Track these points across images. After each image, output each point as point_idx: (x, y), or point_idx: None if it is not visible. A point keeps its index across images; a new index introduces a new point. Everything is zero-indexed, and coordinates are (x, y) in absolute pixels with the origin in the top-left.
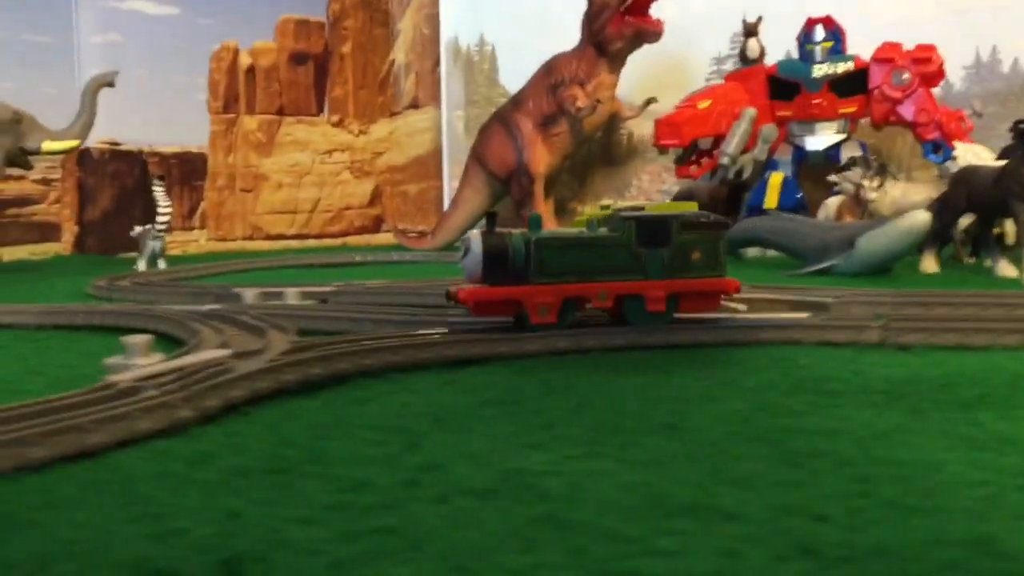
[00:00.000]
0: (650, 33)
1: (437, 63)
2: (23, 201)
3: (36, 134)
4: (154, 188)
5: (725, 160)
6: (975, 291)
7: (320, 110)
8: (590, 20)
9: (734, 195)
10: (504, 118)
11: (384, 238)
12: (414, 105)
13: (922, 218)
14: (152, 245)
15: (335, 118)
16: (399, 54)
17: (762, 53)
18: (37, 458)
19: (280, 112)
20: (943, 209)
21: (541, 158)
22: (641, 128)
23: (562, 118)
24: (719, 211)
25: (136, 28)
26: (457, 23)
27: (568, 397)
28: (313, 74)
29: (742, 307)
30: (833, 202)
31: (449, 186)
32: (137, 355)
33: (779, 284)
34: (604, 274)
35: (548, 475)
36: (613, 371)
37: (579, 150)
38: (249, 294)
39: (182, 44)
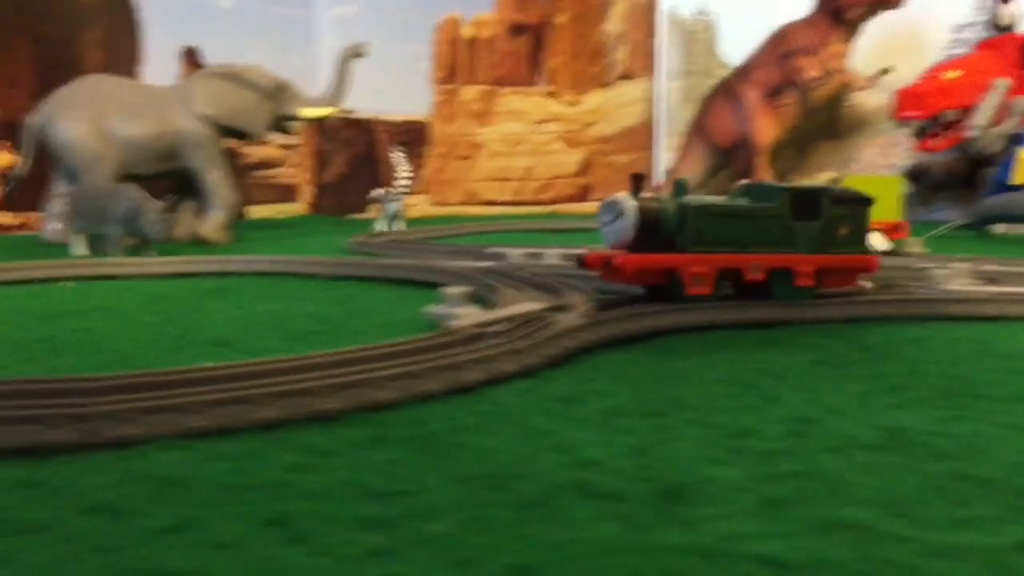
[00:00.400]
0: (892, 0)
1: (651, 34)
2: (266, 164)
3: (296, 101)
4: (395, 154)
5: (974, 133)
6: None
7: (535, 80)
8: None
9: (972, 170)
10: (729, 88)
11: (592, 207)
12: (626, 76)
13: None
14: (391, 207)
15: (549, 88)
16: (613, 24)
17: (1014, 20)
18: (424, 390)
19: (498, 82)
20: None
21: (767, 129)
22: (870, 99)
23: (790, 88)
24: (955, 187)
25: (369, 0)
26: None
27: (898, 361)
28: (530, 45)
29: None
30: None
31: (662, 156)
32: (456, 305)
33: None
34: (758, 246)
35: (933, 435)
36: (918, 339)
37: (805, 122)
38: (514, 253)
39: (410, 15)
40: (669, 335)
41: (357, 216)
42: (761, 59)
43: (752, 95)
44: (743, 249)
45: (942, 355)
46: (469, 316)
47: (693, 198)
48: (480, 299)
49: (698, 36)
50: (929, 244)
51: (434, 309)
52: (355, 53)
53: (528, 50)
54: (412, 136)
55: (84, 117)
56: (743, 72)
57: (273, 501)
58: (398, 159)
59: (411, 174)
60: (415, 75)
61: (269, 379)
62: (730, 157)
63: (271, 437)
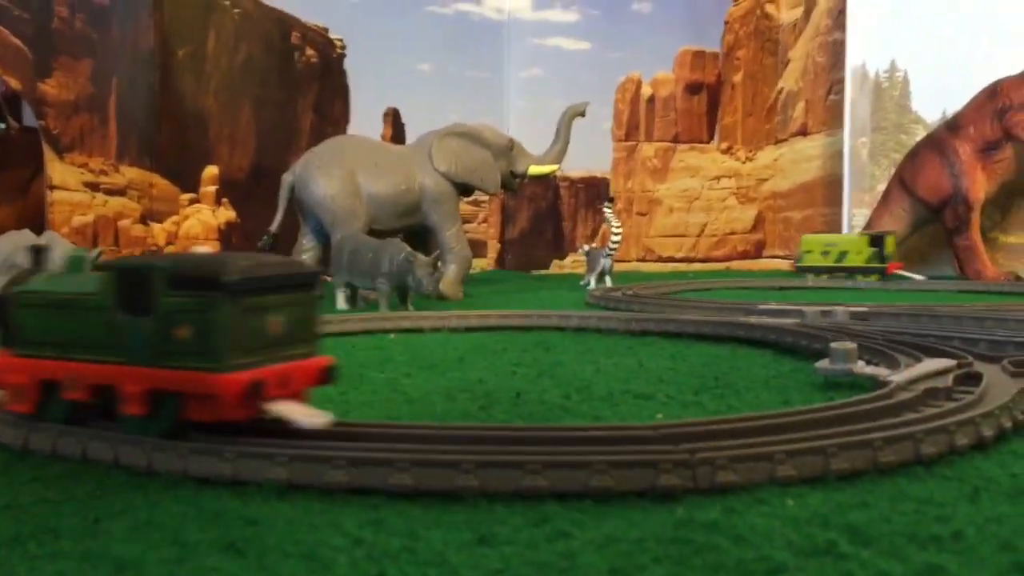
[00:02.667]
0: None
1: (830, 90)
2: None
3: (524, 159)
4: (605, 210)
5: None
6: None
7: (710, 137)
8: None
9: None
10: (938, 143)
11: (766, 263)
12: (802, 132)
13: None
14: (604, 263)
15: (724, 145)
16: (789, 82)
17: None
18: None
19: (675, 139)
20: None
21: (979, 185)
22: None
23: (1007, 144)
24: None
25: (555, 63)
26: (864, 49)
27: None
28: (706, 102)
29: None
30: None
31: (848, 212)
32: (847, 361)
33: None
34: (82, 350)
35: None
36: None
37: (1016, 177)
38: (810, 312)
39: (592, 76)
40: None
41: (542, 272)
42: (974, 113)
43: (965, 150)
44: (65, 354)
45: None
46: (899, 373)
47: (30, 282)
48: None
49: (888, 92)
50: None
51: (826, 364)
52: (577, 112)
53: (704, 108)
54: (592, 192)
55: (337, 175)
56: (953, 127)
57: None
58: (610, 215)
59: (621, 230)
60: (596, 133)
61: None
62: (938, 213)
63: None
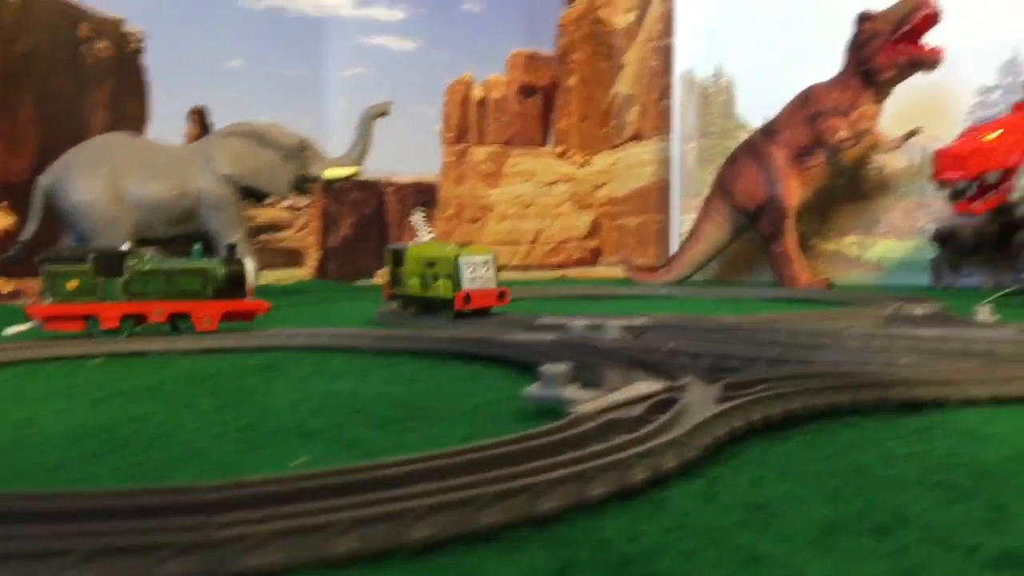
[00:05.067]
0: (928, 61)
1: (663, 95)
2: (274, 227)
3: (318, 161)
4: (415, 216)
5: (1019, 195)
6: None
7: (545, 141)
8: (857, 48)
9: (1006, 234)
10: (755, 149)
11: (602, 271)
12: (636, 137)
13: None
14: None
15: (559, 149)
16: (623, 86)
17: None
18: (590, 496)
19: (508, 143)
20: None
21: (794, 191)
22: (895, 161)
23: (819, 150)
24: (986, 250)
25: (380, 62)
26: (692, 55)
27: None
28: (540, 106)
29: None
30: None
31: (677, 219)
32: (557, 386)
33: None
34: None
35: None
36: None
37: (830, 183)
38: (576, 325)
39: (420, 77)
40: (816, 419)
41: (366, 282)
42: (788, 119)
43: (780, 156)
44: None
45: None
46: (591, 400)
47: None
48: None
49: (714, 97)
50: (996, 312)
51: (534, 390)
52: (379, 112)
53: (538, 111)
54: (420, 197)
55: (99, 178)
56: (769, 132)
57: None
58: (418, 221)
59: (432, 237)
60: (425, 136)
61: (414, 485)
62: (755, 220)
63: (428, 564)
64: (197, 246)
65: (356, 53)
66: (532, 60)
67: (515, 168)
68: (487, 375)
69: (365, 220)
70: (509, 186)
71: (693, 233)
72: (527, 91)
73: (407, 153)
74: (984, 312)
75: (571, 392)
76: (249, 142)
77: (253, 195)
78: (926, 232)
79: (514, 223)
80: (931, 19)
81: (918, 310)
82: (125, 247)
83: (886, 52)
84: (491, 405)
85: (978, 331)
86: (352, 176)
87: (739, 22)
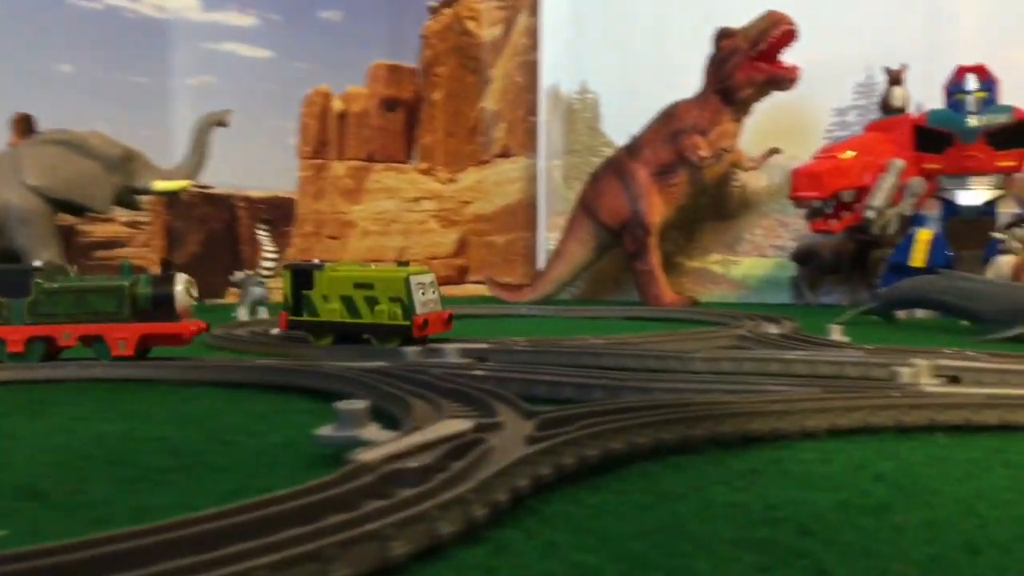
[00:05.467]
0: (785, 79)
1: (530, 112)
2: (110, 244)
3: (147, 173)
4: (258, 233)
5: (871, 214)
6: None
7: (409, 157)
8: (716, 66)
9: (862, 252)
10: (618, 166)
11: (470, 289)
12: (504, 154)
13: None
14: (254, 292)
15: (424, 166)
16: (490, 102)
17: (907, 102)
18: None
19: (370, 158)
20: None
21: (656, 209)
22: (756, 180)
23: (681, 167)
24: (844, 268)
25: (230, 70)
26: (557, 71)
27: (940, 502)
28: (403, 120)
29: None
30: (1005, 261)
31: (544, 236)
32: (355, 426)
33: (987, 350)
34: None
35: None
36: (938, 460)
37: (690, 202)
38: (411, 351)
39: (274, 87)
40: (646, 459)
41: (215, 301)
42: (650, 137)
43: (642, 174)
44: None
45: (989, 489)
46: (379, 445)
47: None
48: (385, 415)
49: (582, 114)
50: (846, 332)
51: (328, 432)
52: (216, 121)
53: (401, 126)
54: (277, 213)
55: None
56: (632, 150)
57: None
58: (262, 238)
59: (276, 254)
60: (280, 149)
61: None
62: (619, 237)
63: None
64: (125, 261)
65: (204, 60)
66: (394, 72)
67: (377, 184)
68: (293, 410)
69: (214, 237)
70: (371, 202)
71: (557, 251)
72: (389, 104)
73: (261, 167)
74: (836, 332)
75: (370, 432)
76: (65, 151)
77: (69, 209)
78: (788, 250)
79: (377, 240)
80: (788, 36)
81: (772, 329)
82: (36, 264)
83: (744, 70)
84: (280, 449)
85: (826, 353)
86: (185, 189)
87: (604, 38)
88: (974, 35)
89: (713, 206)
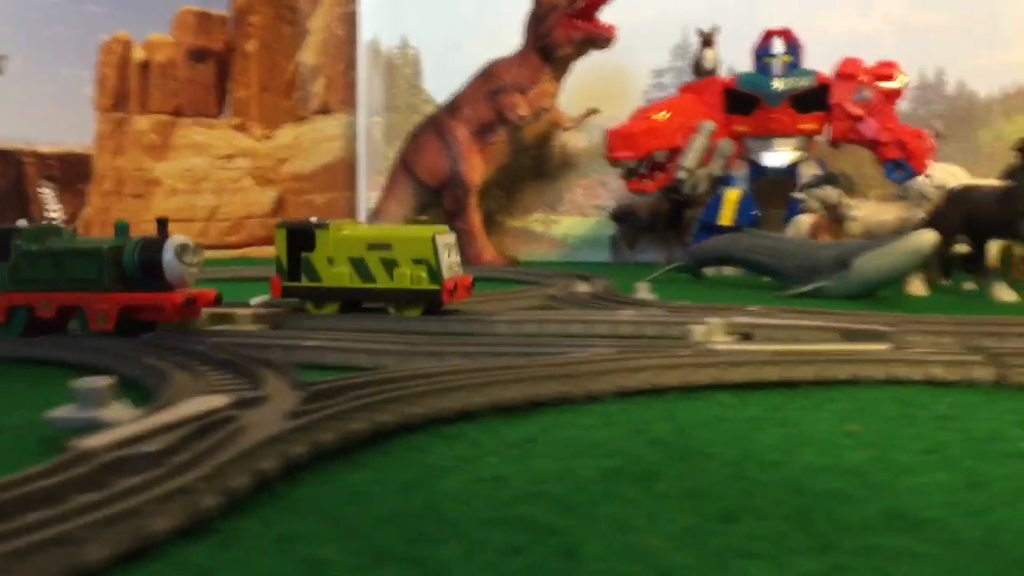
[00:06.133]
0: (602, 38)
1: (350, 66)
2: None
3: None
4: (41, 190)
5: (682, 174)
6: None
7: (220, 112)
8: (535, 23)
9: (677, 211)
10: (438, 125)
11: None
12: (323, 110)
13: (929, 237)
14: None
15: (237, 121)
16: (308, 55)
17: (718, 64)
18: None
19: (176, 112)
20: (937, 229)
21: (477, 168)
22: (576, 140)
23: (500, 126)
24: (660, 228)
25: (15, 11)
26: (377, 24)
27: (711, 464)
28: (214, 73)
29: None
30: (805, 220)
31: (365, 196)
32: (95, 406)
33: (787, 306)
34: None
35: None
36: (714, 421)
37: (512, 161)
38: (202, 316)
39: (64, 33)
40: (414, 433)
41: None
42: (470, 95)
43: (462, 132)
44: None
45: (760, 450)
46: (113, 427)
47: None
48: (138, 390)
49: (403, 70)
50: (654, 290)
51: (63, 413)
52: None
53: (212, 79)
54: (71, 171)
55: None
56: (452, 108)
57: None
58: (46, 195)
59: (60, 213)
60: (75, 102)
61: None
62: (439, 196)
63: None
64: (121, 221)
65: None
66: (203, 20)
67: (185, 140)
68: (48, 388)
69: (0, 195)
70: (179, 159)
71: (376, 211)
72: (198, 55)
73: (54, 120)
74: (643, 290)
75: (113, 413)
76: None
77: None
78: (607, 209)
79: (186, 199)
80: None
81: (583, 288)
82: (20, 223)
83: (562, 28)
84: (13, 433)
85: (626, 313)
86: None
87: None
88: (786, 1)
89: (534, 166)
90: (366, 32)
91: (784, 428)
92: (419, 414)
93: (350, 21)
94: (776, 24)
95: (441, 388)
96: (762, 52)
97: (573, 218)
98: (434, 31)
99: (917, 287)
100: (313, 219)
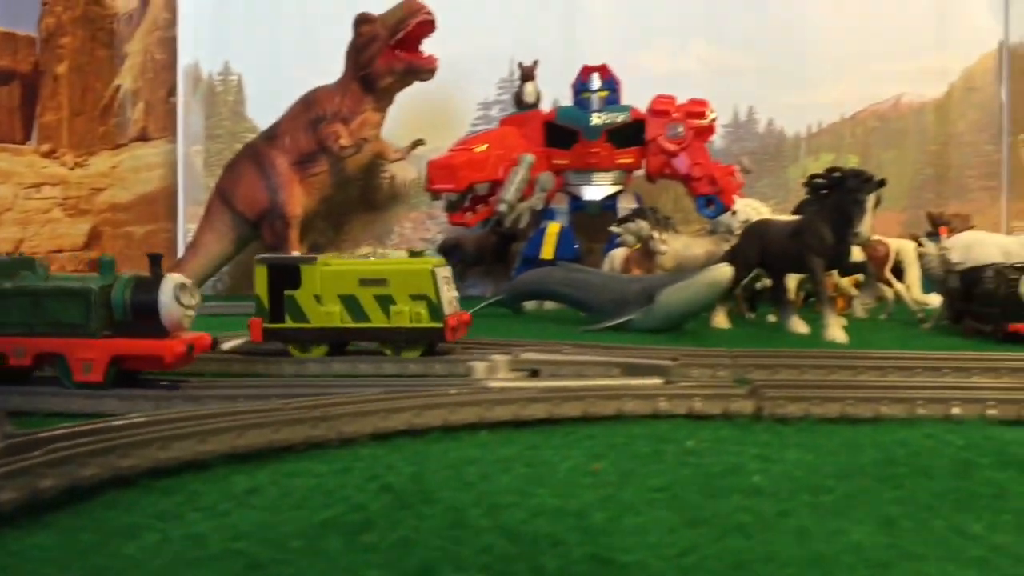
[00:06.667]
0: (424, 69)
1: (171, 92)
2: None
3: None
4: None
5: (503, 207)
6: (806, 350)
7: (27, 137)
8: (356, 52)
9: (503, 245)
10: (256, 154)
11: None
12: (142, 137)
13: (726, 271)
14: None
15: (45, 147)
16: (126, 79)
17: (539, 98)
18: None
19: None
20: (735, 263)
21: (297, 199)
22: (404, 172)
23: (322, 157)
24: (487, 260)
25: None
26: (197, 48)
27: (430, 514)
28: (19, 96)
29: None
30: (619, 254)
31: (184, 228)
32: None
33: (586, 342)
34: None
35: None
36: (461, 464)
37: (338, 192)
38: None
39: None
40: (120, 488)
41: None
42: (291, 124)
43: (281, 162)
44: None
45: (495, 493)
46: None
47: None
48: None
49: (224, 97)
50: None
51: None
52: None
53: (17, 101)
54: None
55: None
56: (271, 137)
57: None
58: None
59: None
60: None
61: None
62: (258, 229)
63: None
64: (105, 256)
65: None
66: (9, 40)
67: None
68: None
69: None
70: None
71: (193, 244)
72: (3, 77)
73: None
74: None
75: None
76: None
77: None
78: (435, 242)
79: None
80: (427, 26)
81: None
82: None
83: (384, 58)
84: None
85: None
86: None
87: (248, 16)
88: (606, 37)
89: (362, 197)
90: (185, 56)
91: (531, 468)
92: (128, 466)
93: (171, 45)
94: (595, 60)
95: (168, 436)
96: (580, 87)
97: (401, 251)
98: (258, 57)
99: (721, 320)
100: (297, 253)
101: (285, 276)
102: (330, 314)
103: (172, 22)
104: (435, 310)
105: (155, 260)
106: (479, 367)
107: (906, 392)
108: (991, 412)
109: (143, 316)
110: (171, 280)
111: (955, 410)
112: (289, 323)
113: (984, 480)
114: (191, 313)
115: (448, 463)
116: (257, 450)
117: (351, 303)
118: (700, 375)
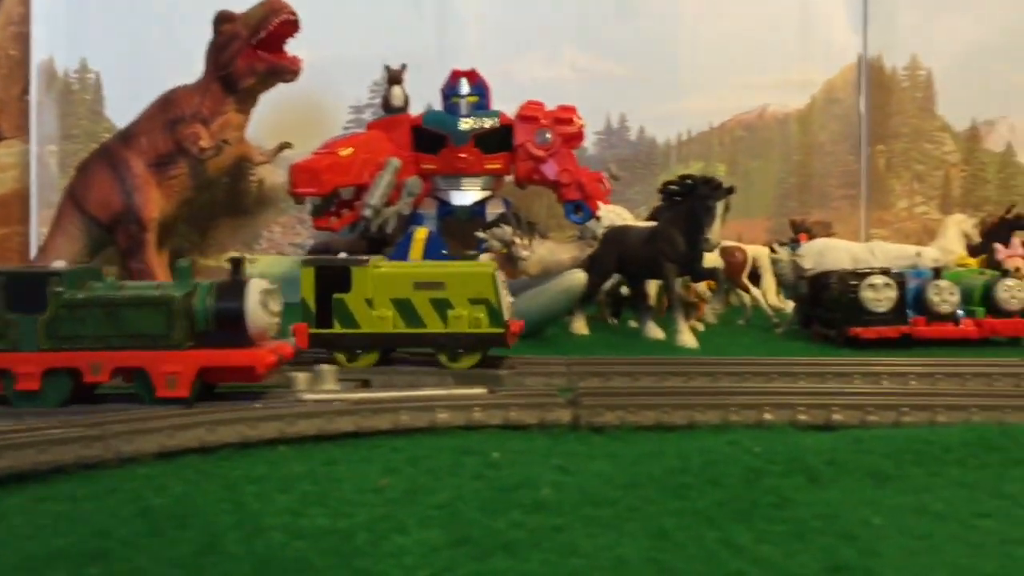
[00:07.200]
0: (287, 71)
1: (26, 90)
2: None
3: None
4: None
5: (368, 212)
6: (646, 357)
7: None
8: (216, 52)
9: (374, 249)
10: (110, 155)
11: None
12: None
13: (579, 278)
14: None
15: None
16: None
17: (406, 102)
18: None
19: None
20: (593, 269)
21: (154, 203)
22: (273, 175)
23: (181, 158)
24: None
25: None
26: (53, 44)
27: (181, 540)
28: None
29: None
30: (482, 260)
31: (37, 232)
32: None
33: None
34: None
35: None
36: (258, 479)
37: (200, 196)
38: None
39: None
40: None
41: None
42: (148, 124)
43: (137, 164)
44: None
45: (267, 515)
46: None
47: None
48: None
49: (81, 95)
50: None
51: None
52: None
53: None
54: None
55: None
56: (127, 137)
57: None
58: None
59: None
60: None
61: None
62: (112, 233)
63: None
64: (182, 261)
65: None
66: None
67: None
68: None
69: None
70: None
71: (43, 248)
72: None
73: None
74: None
75: None
76: None
77: None
78: (306, 248)
79: None
80: (290, 26)
81: None
82: (57, 264)
83: (245, 58)
84: None
85: None
86: None
87: (106, 11)
88: (479, 43)
89: (229, 201)
90: (39, 52)
91: (315, 486)
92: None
93: (24, 40)
94: (466, 65)
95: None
96: (449, 92)
97: (271, 256)
98: (118, 55)
99: (580, 326)
100: (345, 255)
101: (334, 279)
102: (382, 319)
103: (26, 17)
104: (495, 315)
105: (237, 263)
106: (300, 377)
107: (721, 399)
108: (801, 417)
109: (227, 324)
110: (257, 285)
111: (767, 416)
112: (338, 328)
113: (768, 488)
114: (277, 320)
115: (228, 483)
116: (19, 472)
117: (405, 307)
118: (533, 384)
